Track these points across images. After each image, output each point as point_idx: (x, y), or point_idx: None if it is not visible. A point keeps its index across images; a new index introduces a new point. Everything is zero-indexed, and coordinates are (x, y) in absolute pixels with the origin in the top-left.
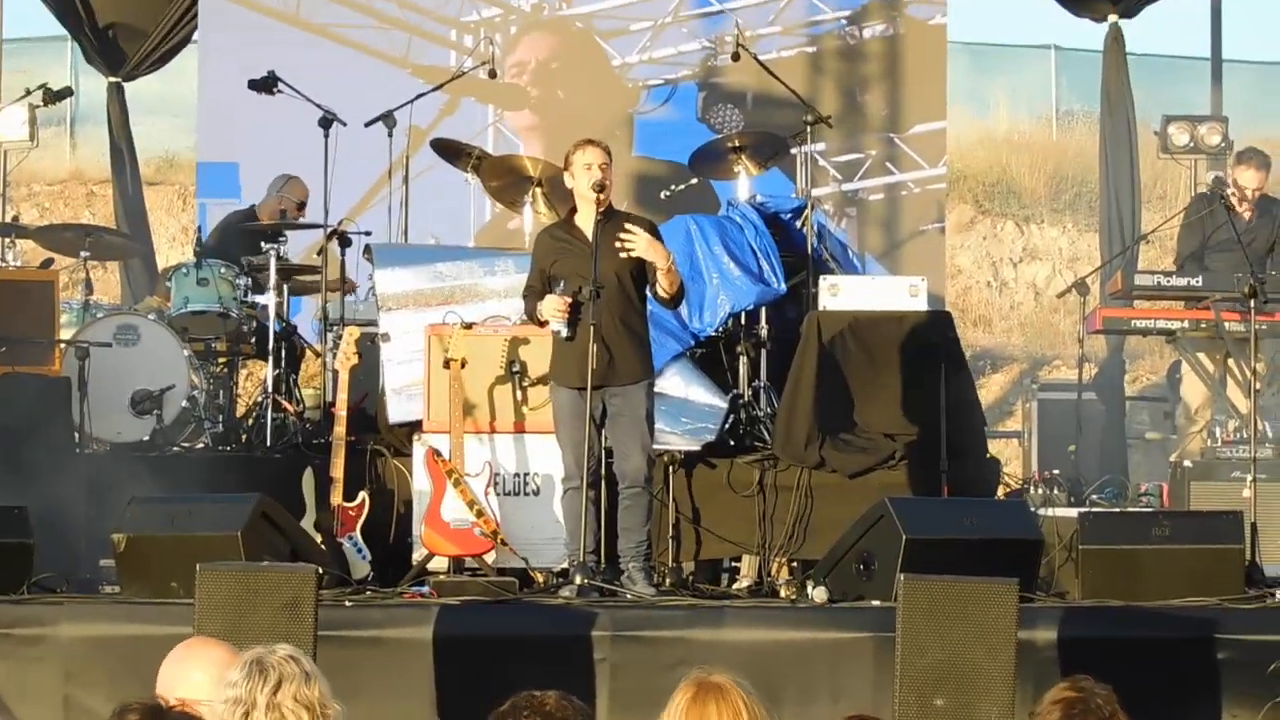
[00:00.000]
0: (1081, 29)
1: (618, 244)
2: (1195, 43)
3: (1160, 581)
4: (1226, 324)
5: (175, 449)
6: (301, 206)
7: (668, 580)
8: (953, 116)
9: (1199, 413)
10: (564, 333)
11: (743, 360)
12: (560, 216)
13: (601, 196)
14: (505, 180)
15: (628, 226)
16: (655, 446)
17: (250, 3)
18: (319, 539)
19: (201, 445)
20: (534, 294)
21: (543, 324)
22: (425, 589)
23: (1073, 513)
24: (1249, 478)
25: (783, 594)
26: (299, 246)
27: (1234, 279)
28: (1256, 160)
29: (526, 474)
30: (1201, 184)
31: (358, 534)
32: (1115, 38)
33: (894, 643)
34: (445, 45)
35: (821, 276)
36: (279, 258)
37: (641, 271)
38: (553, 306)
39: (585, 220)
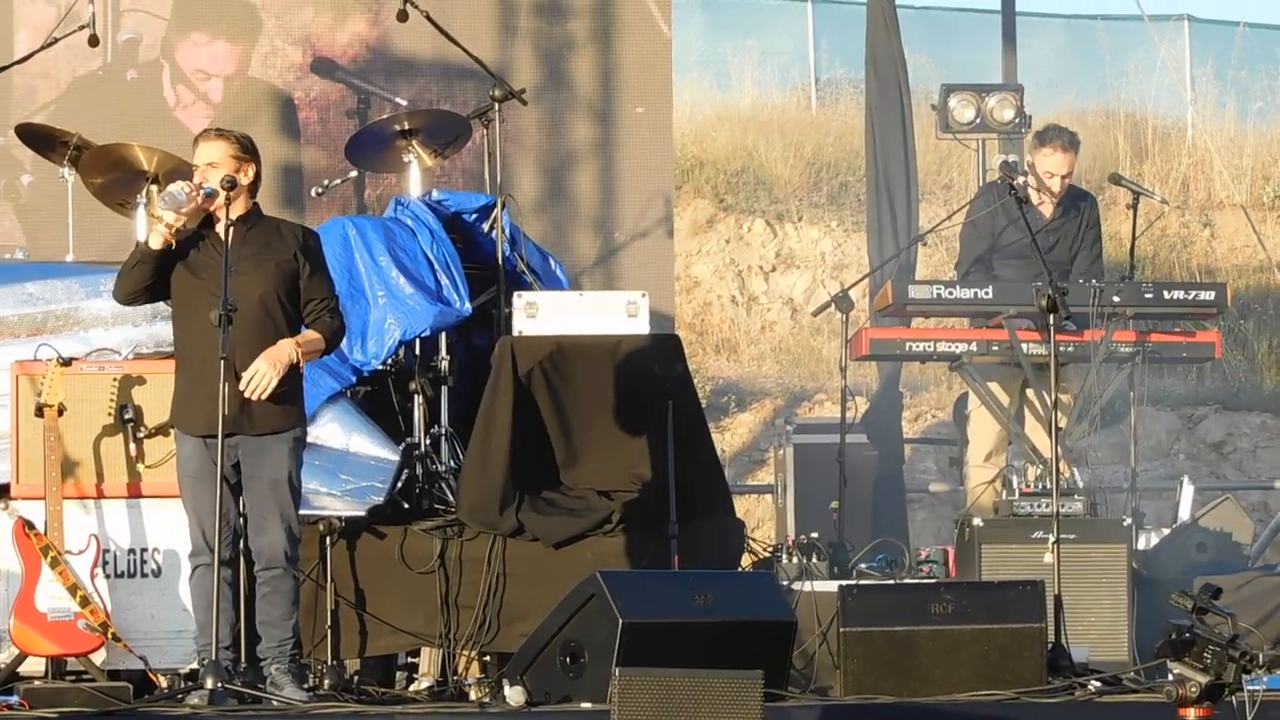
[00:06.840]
0: None
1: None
2: None
3: (942, 671)
4: (1024, 345)
5: None
6: None
7: (325, 682)
8: (684, 88)
9: (991, 458)
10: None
11: (418, 401)
12: None
13: (223, 202)
14: (112, 176)
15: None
16: (309, 512)
17: None
18: None
19: None
20: None
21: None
22: (14, 699)
23: (835, 586)
24: (1051, 539)
25: (472, 696)
26: None
27: (1030, 290)
28: (1061, 140)
29: (144, 550)
30: (991, 170)
31: None
32: None
33: None
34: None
35: (516, 293)
36: None
37: (294, 291)
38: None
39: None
